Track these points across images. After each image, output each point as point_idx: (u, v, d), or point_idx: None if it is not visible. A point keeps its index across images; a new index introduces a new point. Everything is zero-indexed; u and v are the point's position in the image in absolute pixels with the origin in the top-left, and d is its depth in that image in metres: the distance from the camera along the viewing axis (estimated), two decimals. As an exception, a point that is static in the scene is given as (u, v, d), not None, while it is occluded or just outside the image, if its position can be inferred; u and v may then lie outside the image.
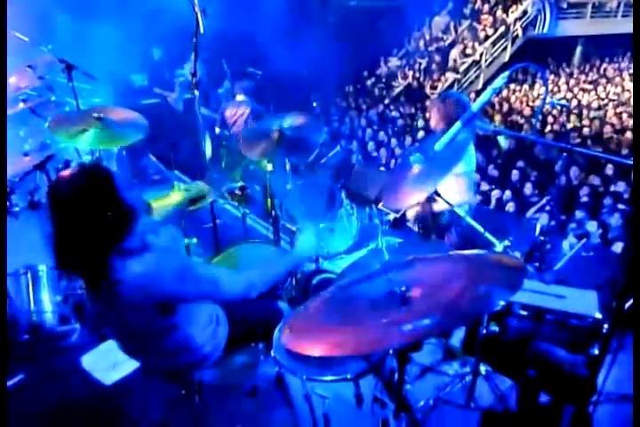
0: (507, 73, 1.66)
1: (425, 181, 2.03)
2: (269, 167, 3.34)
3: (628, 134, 8.34)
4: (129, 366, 2.69)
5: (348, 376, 1.85)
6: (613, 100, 10.93)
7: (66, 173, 1.57)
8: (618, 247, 4.98)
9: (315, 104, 11.27)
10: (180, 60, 6.44)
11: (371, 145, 8.92)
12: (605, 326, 2.34)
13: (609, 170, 6.78)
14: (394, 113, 11.02)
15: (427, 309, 1.09)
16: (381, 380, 1.81)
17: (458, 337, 2.81)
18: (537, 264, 3.92)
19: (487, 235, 2.07)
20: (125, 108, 3.18)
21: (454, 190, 2.96)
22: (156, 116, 5.68)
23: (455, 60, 12.91)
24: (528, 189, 6.40)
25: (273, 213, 3.46)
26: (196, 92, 2.91)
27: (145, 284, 1.58)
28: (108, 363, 2.77)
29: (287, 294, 2.87)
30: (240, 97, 5.05)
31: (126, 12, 6.22)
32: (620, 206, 5.67)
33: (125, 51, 6.19)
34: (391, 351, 1.83)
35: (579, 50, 14.45)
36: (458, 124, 1.83)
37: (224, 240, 3.63)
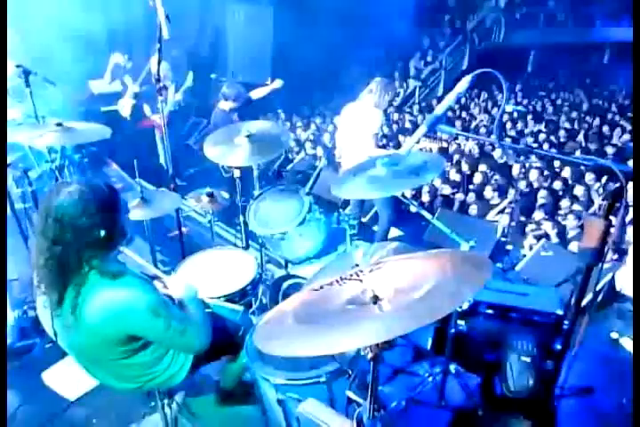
0: (469, 77, 1.71)
1: (384, 186, 2.06)
2: (237, 173, 3.33)
3: (580, 138, 8.79)
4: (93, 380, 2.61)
5: (322, 380, 1.86)
6: (566, 106, 11.42)
7: (74, 187, 1.52)
8: (574, 247, 5.19)
9: (280, 111, 11.31)
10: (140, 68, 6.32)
11: (338, 151, 8.99)
12: (566, 321, 2.44)
13: (565, 173, 7.08)
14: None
15: (398, 307, 1.12)
16: (355, 381, 1.83)
17: (427, 337, 2.85)
18: (500, 264, 4.05)
19: (454, 235, 2.12)
20: (84, 114, 3.11)
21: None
22: (117, 124, 5.57)
23: (416, 68, 13.32)
24: (489, 192, 6.59)
25: (241, 219, 3.44)
26: (161, 98, 2.87)
27: (116, 313, 1.52)
28: (71, 378, 2.68)
29: (257, 300, 2.85)
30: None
31: (89, 16, 6.09)
32: (576, 208, 5.91)
33: (86, 56, 6.06)
34: (363, 352, 1.85)
35: (532, 58, 15.09)
36: (423, 128, 1.87)
37: (190, 248, 3.57)
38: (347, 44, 10.84)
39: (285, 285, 3.01)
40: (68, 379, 2.70)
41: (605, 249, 1.54)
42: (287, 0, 9.59)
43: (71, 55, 5.88)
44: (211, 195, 3.50)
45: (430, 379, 2.57)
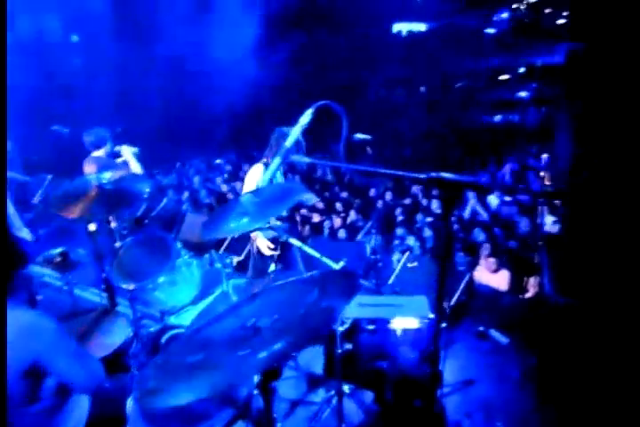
0: (311, 110, 1.84)
1: (250, 218, 2.10)
2: (92, 227, 3.09)
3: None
4: None
5: (217, 429, 1.76)
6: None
7: None
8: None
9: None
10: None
11: (203, 193, 8.88)
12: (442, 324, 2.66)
13: (416, 190, 7.83)
14: (219, 160, 11.35)
15: (278, 333, 1.12)
16: (251, 422, 1.76)
17: (319, 364, 2.88)
18: (374, 281, 4.28)
19: (324, 259, 2.20)
20: None
21: None
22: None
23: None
24: (353, 215, 7.01)
25: (104, 276, 3.17)
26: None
27: (28, 329, 1.57)
28: None
29: (135, 360, 2.63)
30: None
31: None
32: (429, 219, 6.54)
33: None
34: (255, 391, 1.80)
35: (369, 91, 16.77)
36: (277, 161, 1.95)
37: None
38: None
39: (164, 339, 2.82)
40: None
41: (450, 250, 1.72)
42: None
43: None
44: (64, 254, 3.19)
45: (327, 404, 2.58)
